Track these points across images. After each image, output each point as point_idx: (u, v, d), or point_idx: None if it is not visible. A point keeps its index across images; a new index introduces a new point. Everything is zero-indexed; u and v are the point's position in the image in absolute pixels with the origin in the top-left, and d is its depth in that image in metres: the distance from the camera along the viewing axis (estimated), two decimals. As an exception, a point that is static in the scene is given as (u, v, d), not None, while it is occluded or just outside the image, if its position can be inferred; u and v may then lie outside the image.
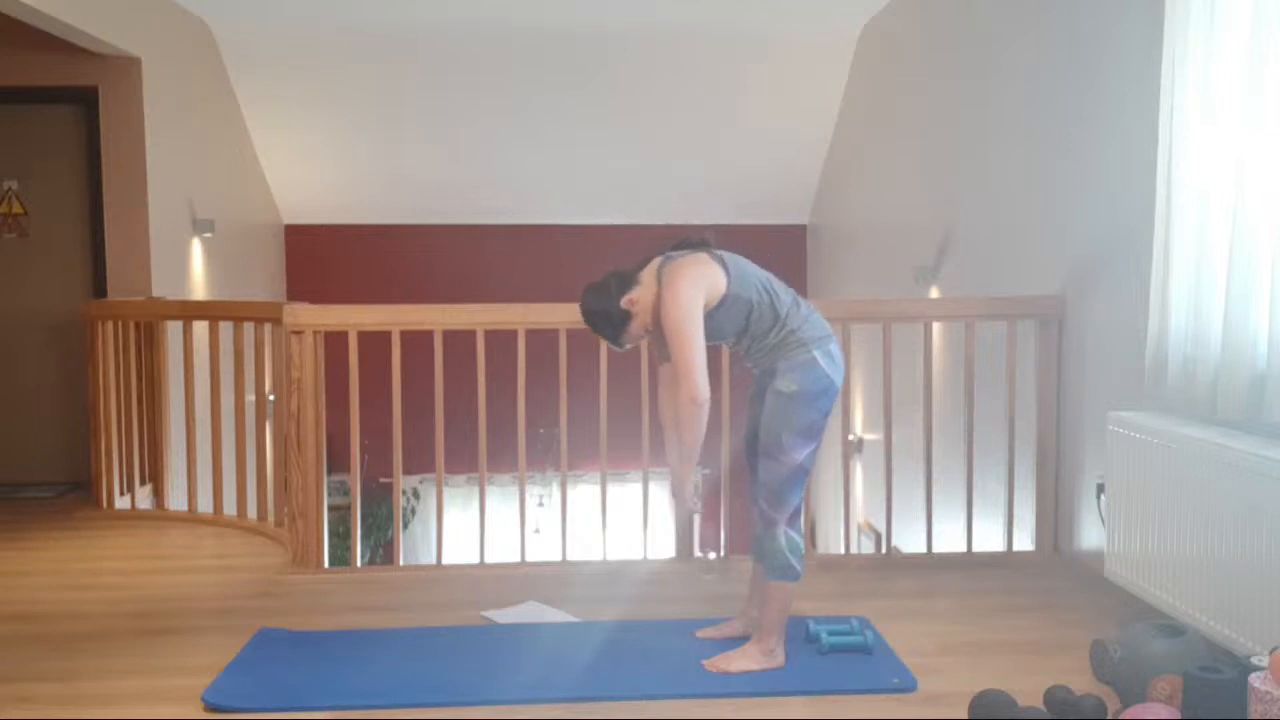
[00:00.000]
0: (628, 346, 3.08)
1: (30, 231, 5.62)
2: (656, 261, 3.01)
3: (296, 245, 8.49)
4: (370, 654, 3.12)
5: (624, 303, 2.95)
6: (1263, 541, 2.60)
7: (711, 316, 2.92)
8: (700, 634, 3.20)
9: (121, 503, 5.10)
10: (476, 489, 4.38)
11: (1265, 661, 2.33)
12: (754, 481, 3.04)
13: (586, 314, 3.03)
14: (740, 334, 3.01)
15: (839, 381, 2.99)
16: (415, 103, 7.28)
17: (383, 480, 7.39)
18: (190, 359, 4.86)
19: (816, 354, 2.94)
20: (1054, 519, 4.11)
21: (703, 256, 2.97)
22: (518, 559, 4.25)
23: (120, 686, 2.92)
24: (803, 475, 2.96)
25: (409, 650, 3.15)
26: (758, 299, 2.95)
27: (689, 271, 2.91)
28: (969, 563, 4.07)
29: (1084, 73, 3.97)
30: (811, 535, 6.85)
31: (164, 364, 5.15)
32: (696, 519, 3.09)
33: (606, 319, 2.99)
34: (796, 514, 3.00)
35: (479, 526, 4.22)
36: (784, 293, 3.02)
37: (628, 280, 2.99)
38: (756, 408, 3.06)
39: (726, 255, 3.00)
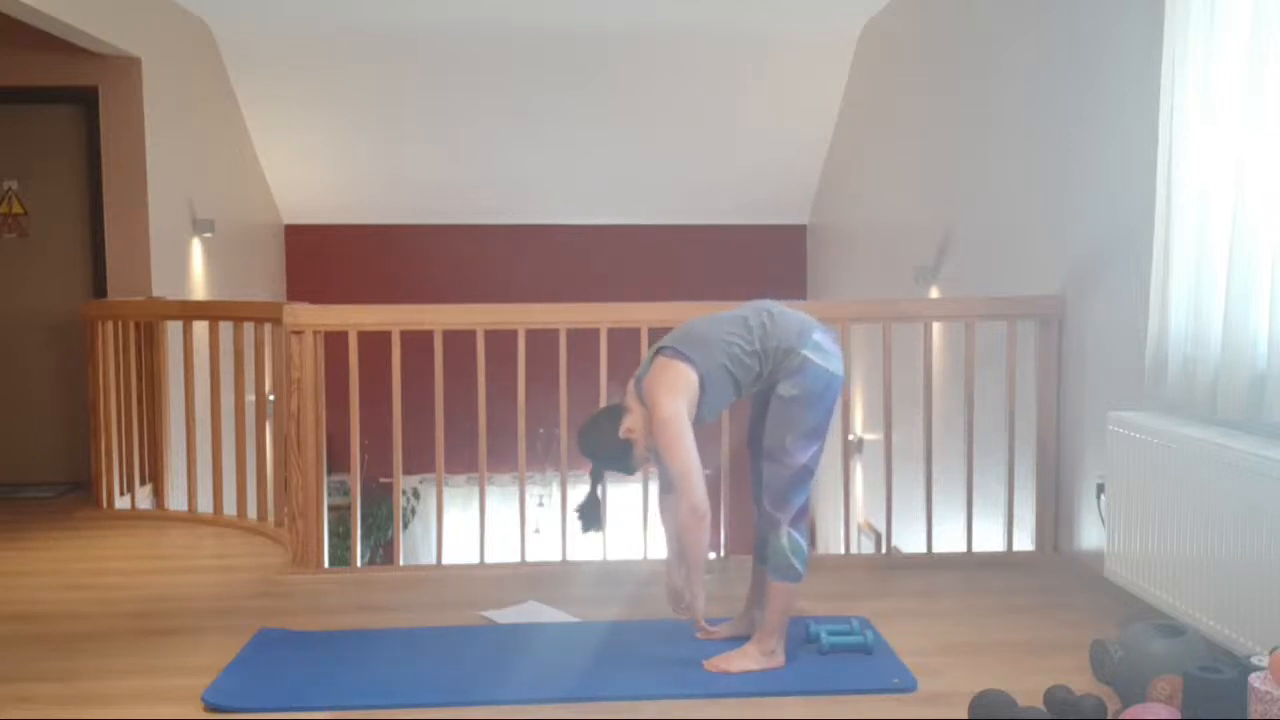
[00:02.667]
0: (638, 471, 3.10)
1: (30, 231, 5.63)
2: (631, 385, 3.04)
3: (296, 245, 8.49)
4: (370, 654, 3.12)
5: (623, 432, 2.98)
6: (1263, 541, 2.60)
7: (702, 405, 2.95)
8: (700, 634, 3.20)
9: (121, 503, 5.10)
10: (476, 489, 4.38)
11: (1265, 661, 2.33)
12: (756, 482, 3.04)
13: (589, 453, 3.05)
14: (736, 391, 3.01)
15: (839, 370, 2.96)
16: (415, 103, 7.29)
17: (383, 480, 7.39)
18: (190, 359, 4.86)
19: (806, 353, 2.91)
20: (1054, 519, 4.11)
21: (663, 361, 2.96)
22: (518, 559, 4.25)
23: (120, 686, 2.92)
24: (807, 476, 2.95)
25: (409, 650, 3.15)
26: (729, 358, 2.94)
27: (662, 385, 2.92)
28: (969, 563, 4.07)
29: (1084, 73, 3.97)
30: (812, 535, 6.86)
31: (164, 364, 5.15)
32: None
33: (609, 452, 3.02)
34: (800, 515, 2.98)
35: (479, 526, 4.22)
36: (748, 328, 2.96)
37: (616, 411, 3.02)
38: (758, 408, 3.06)
39: (680, 341, 2.98)
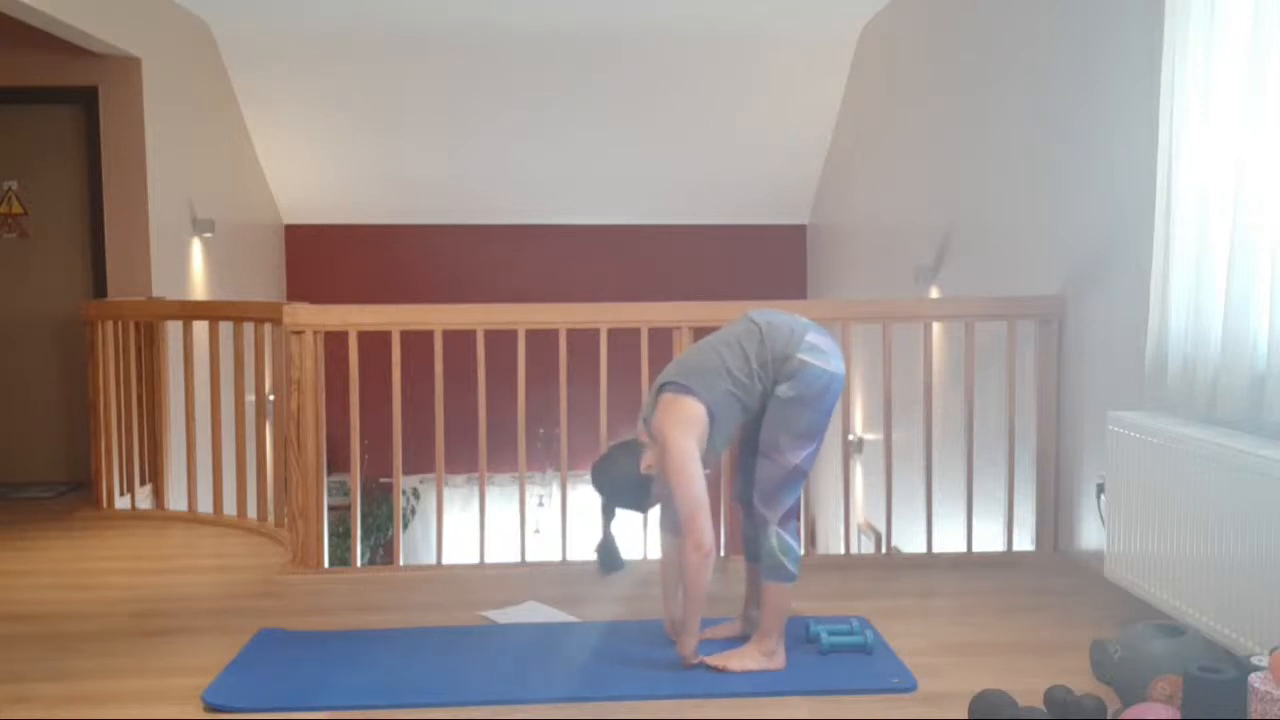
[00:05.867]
0: (651, 507, 3.09)
1: (30, 231, 5.63)
2: (640, 425, 3.02)
3: (296, 245, 8.49)
4: (370, 654, 3.12)
5: (643, 468, 2.94)
6: (1263, 541, 2.60)
7: (713, 436, 2.92)
8: (700, 634, 3.20)
9: (121, 503, 5.10)
10: (476, 489, 4.38)
11: (1265, 661, 2.33)
12: (748, 480, 3.04)
13: (606, 490, 3.00)
14: (745, 414, 2.99)
15: (838, 368, 2.94)
16: (415, 102, 7.29)
17: (383, 480, 7.40)
18: (190, 359, 4.86)
19: (801, 357, 2.90)
20: (1054, 519, 4.11)
21: (669, 398, 2.92)
22: (518, 559, 4.25)
23: (120, 686, 2.92)
24: (799, 477, 2.95)
25: (409, 650, 3.15)
26: (732, 382, 2.92)
27: (672, 421, 2.88)
28: (969, 563, 4.07)
29: (1084, 73, 3.97)
30: (811, 535, 6.86)
31: (164, 364, 5.15)
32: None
33: (628, 488, 2.97)
34: (790, 515, 2.97)
35: (479, 526, 4.22)
36: (743, 350, 2.94)
37: (634, 447, 2.98)
38: None
39: (682, 375, 2.95)
